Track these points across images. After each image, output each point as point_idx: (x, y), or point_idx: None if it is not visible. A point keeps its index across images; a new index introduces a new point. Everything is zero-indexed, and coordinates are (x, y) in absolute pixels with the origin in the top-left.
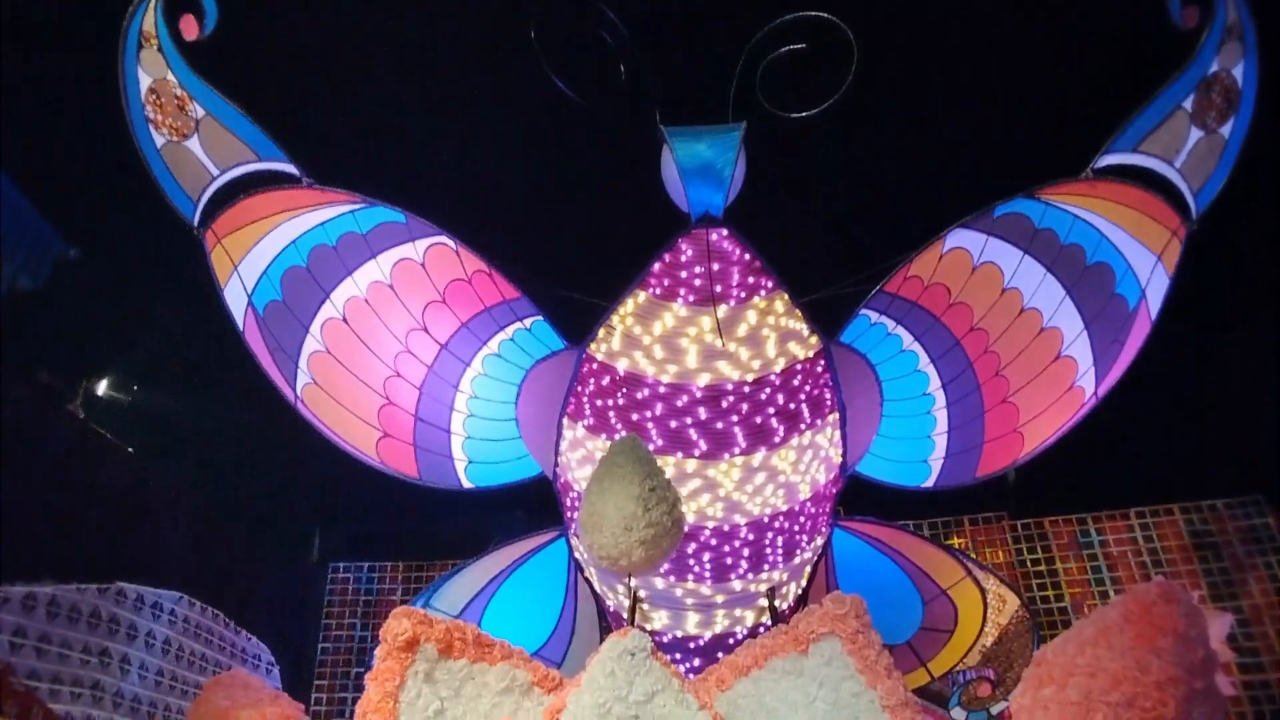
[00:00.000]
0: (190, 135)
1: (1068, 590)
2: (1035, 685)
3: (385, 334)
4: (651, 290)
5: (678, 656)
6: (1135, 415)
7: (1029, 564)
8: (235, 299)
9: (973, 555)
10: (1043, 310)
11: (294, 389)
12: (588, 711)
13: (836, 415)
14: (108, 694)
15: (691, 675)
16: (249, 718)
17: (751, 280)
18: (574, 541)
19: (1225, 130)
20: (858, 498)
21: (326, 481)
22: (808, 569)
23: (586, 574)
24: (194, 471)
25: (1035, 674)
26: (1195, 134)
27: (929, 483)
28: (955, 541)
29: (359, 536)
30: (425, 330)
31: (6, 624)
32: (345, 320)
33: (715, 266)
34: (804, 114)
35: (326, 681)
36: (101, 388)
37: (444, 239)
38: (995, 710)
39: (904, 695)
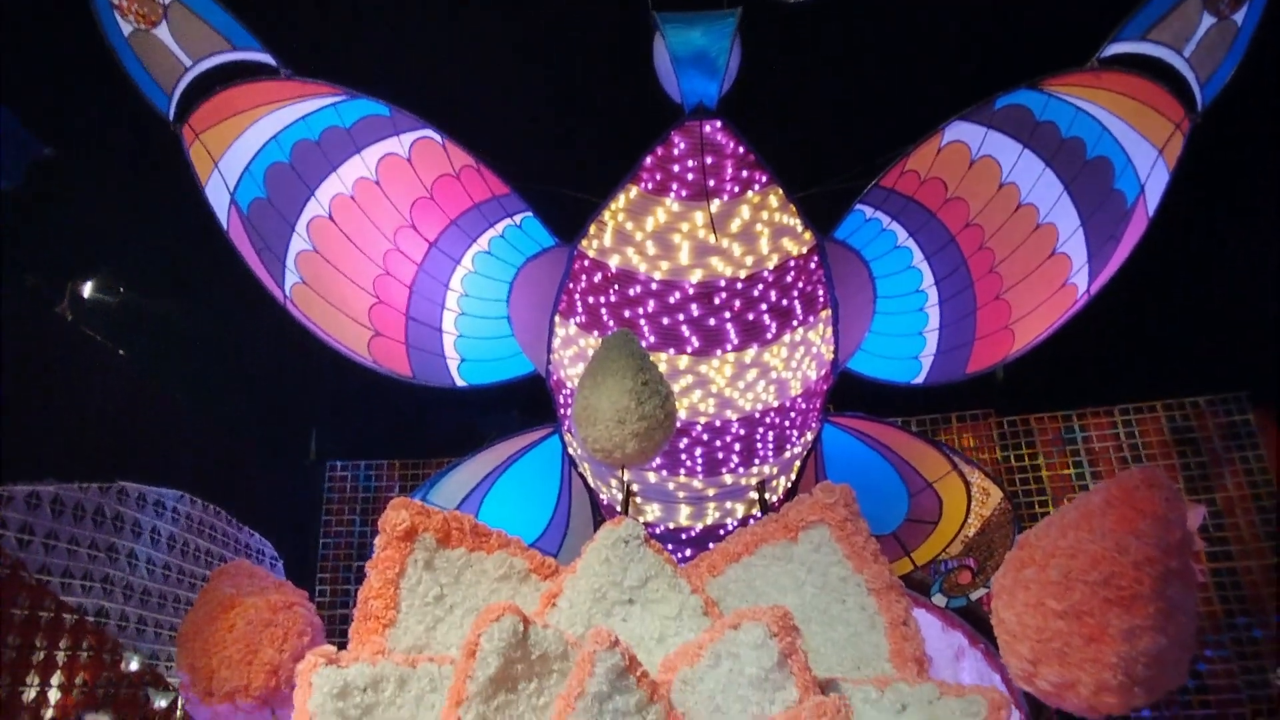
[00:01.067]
0: (158, 23)
1: (1050, 486)
2: (1017, 566)
3: (373, 232)
4: (644, 185)
5: (670, 547)
6: (1124, 313)
7: (1013, 460)
8: (218, 197)
9: (959, 450)
10: (1039, 206)
11: (283, 289)
12: (583, 596)
13: (829, 312)
14: (118, 587)
15: (683, 564)
16: (254, 604)
17: (745, 174)
18: (567, 438)
19: (1239, 16)
20: (848, 395)
21: (321, 382)
22: (797, 463)
23: (580, 469)
24: (189, 374)
25: (1018, 556)
26: (1207, 20)
27: (919, 379)
28: (942, 438)
29: (355, 436)
30: (414, 228)
31: (12, 521)
32: (332, 219)
33: (709, 160)
34: (801, 0)
35: (329, 575)
36: (88, 290)
37: (430, 133)
38: (975, 596)
39: (889, 579)
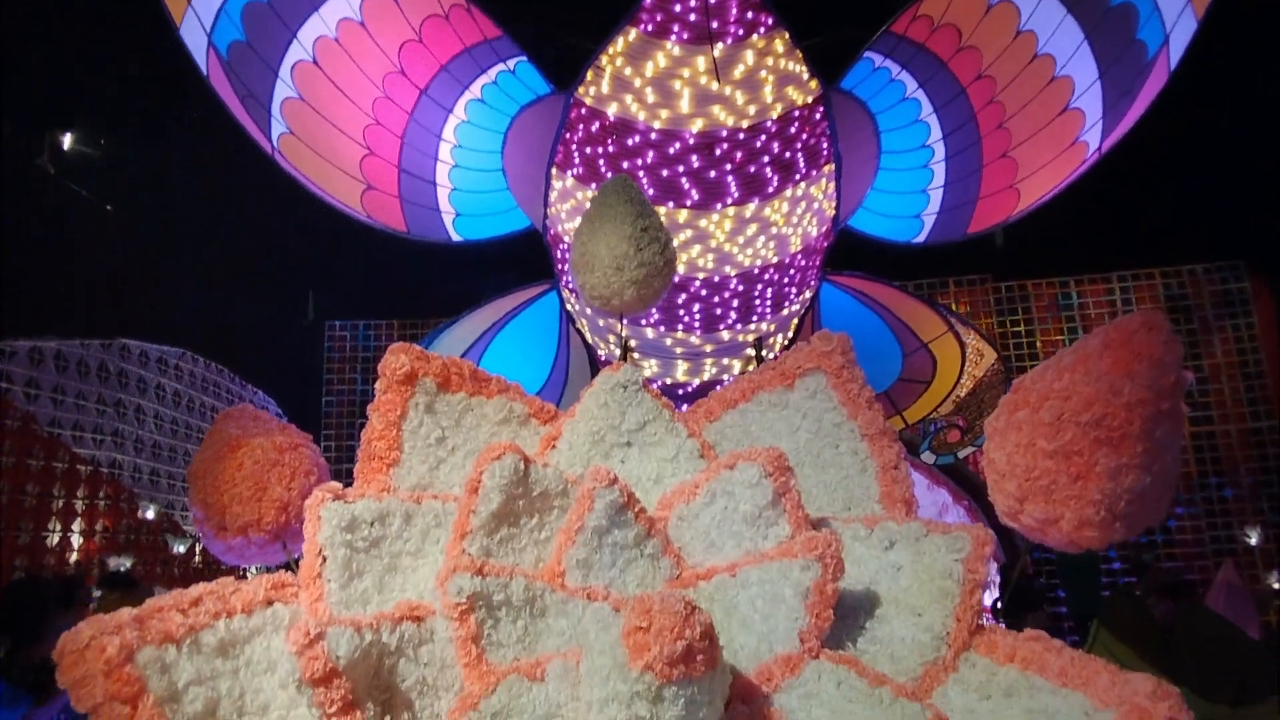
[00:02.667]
0: None
1: (1043, 352)
2: (1011, 409)
3: (361, 78)
4: (643, 27)
5: None
6: (1127, 178)
7: (1008, 326)
8: (194, 39)
9: (955, 311)
10: (1057, 56)
11: (270, 139)
12: (582, 439)
13: (832, 166)
14: (128, 440)
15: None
16: (260, 444)
17: (750, 16)
18: (565, 294)
19: None
20: (847, 256)
21: (317, 242)
22: (795, 321)
23: (578, 325)
24: (181, 232)
25: (1011, 399)
26: None
27: (920, 238)
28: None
29: (354, 296)
30: (403, 73)
31: (18, 376)
32: (316, 63)
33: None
34: None
35: (332, 432)
36: (67, 142)
37: None
38: (962, 454)
39: (881, 425)
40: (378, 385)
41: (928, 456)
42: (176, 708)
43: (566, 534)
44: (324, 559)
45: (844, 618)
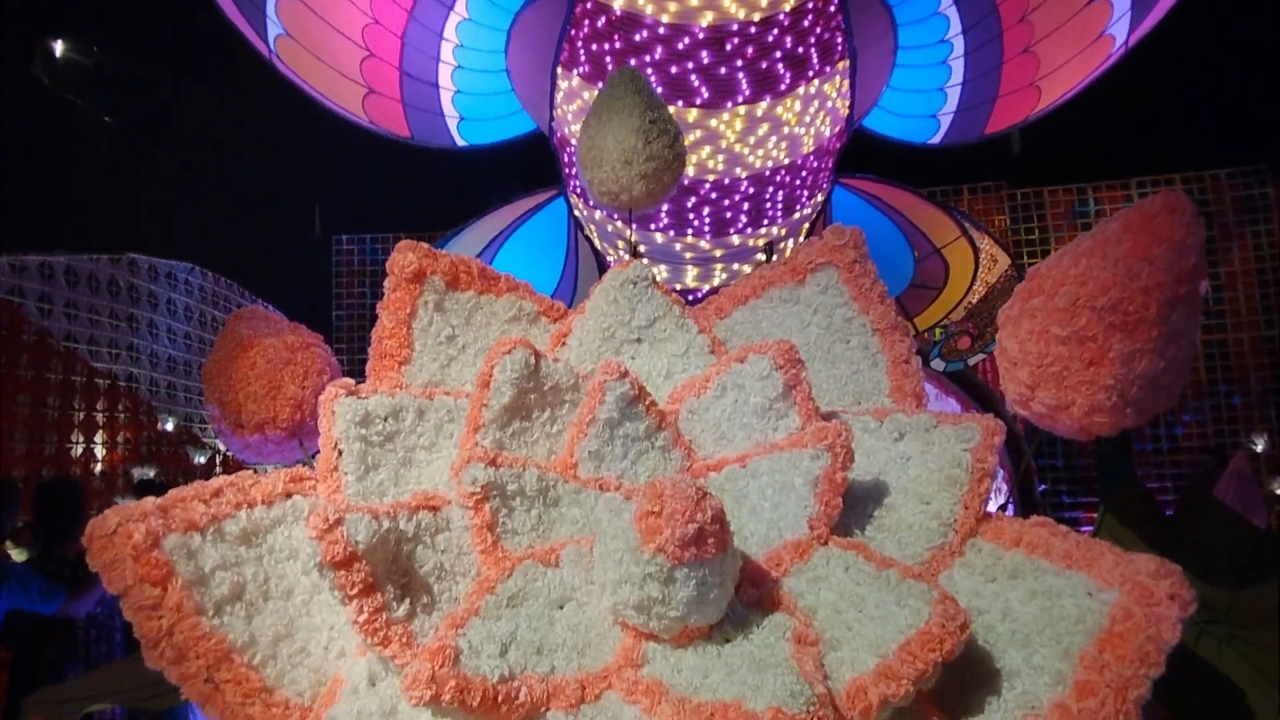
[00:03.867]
0: None
1: None
2: (1025, 297)
3: None
4: None
5: None
6: (1149, 78)
7: (1023, 233)
8: None
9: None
10: None
11: (266, 41)
12: (592, 335)
13: (847, 63)
14: (143, 355)
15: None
16: (271, 344)
17: None
18: (573, 200)
19: None
20: (860, 158)
21: (321, 154)
22: (806, 225)
23: (586, 232)
24: (183, 144)
25: (1026, 287)
26: None
27: (936, 139)
28: None
29: (360, 209)
30: None
31: (30, 291)
32: None
33: None
34: None
35: (344, 345)
36: (59, 49)
37: None
38: (972, 362)
39: (893, 320)
40: (386, 283)
41: (937, 364)
42: (205, 590)
43: (578, 426)
44: (339, 453)
45: (852, 507)
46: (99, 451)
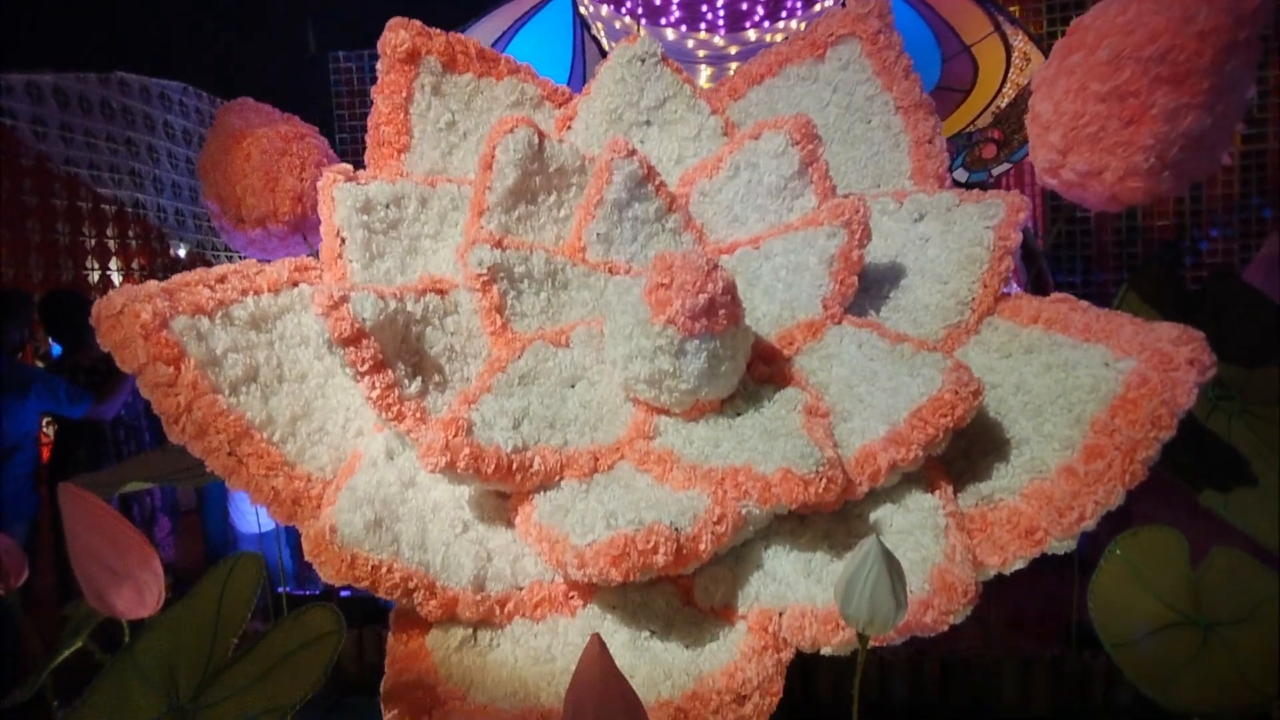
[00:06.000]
0: None
1: None
2: (1063, 54)
3: None
4: None
5: None
6: None
7: (1060, 31)
8: None
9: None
10: None
11: None
12: (599, 118)
13: None
14: (146, 180)
15: None
16: (266, 134)
17: None
18: None
19: None
20: None
21: None
22: None
23: (593, 31)
24: None
25: (1065, 43)
26: None
27: None
28: None
29: (355, 24)
30: None
31: (22, 113)
32: None
33: None
34: None
35: (350, 163)
36: None
37: None
38: (997, 172)
39: (918, 97)
40: (379, 65)
41: (960, 174)
42: (218, 371)
43: (585, 209)
44: (343, 241)
45: (867, 290)
46: (115, 279)
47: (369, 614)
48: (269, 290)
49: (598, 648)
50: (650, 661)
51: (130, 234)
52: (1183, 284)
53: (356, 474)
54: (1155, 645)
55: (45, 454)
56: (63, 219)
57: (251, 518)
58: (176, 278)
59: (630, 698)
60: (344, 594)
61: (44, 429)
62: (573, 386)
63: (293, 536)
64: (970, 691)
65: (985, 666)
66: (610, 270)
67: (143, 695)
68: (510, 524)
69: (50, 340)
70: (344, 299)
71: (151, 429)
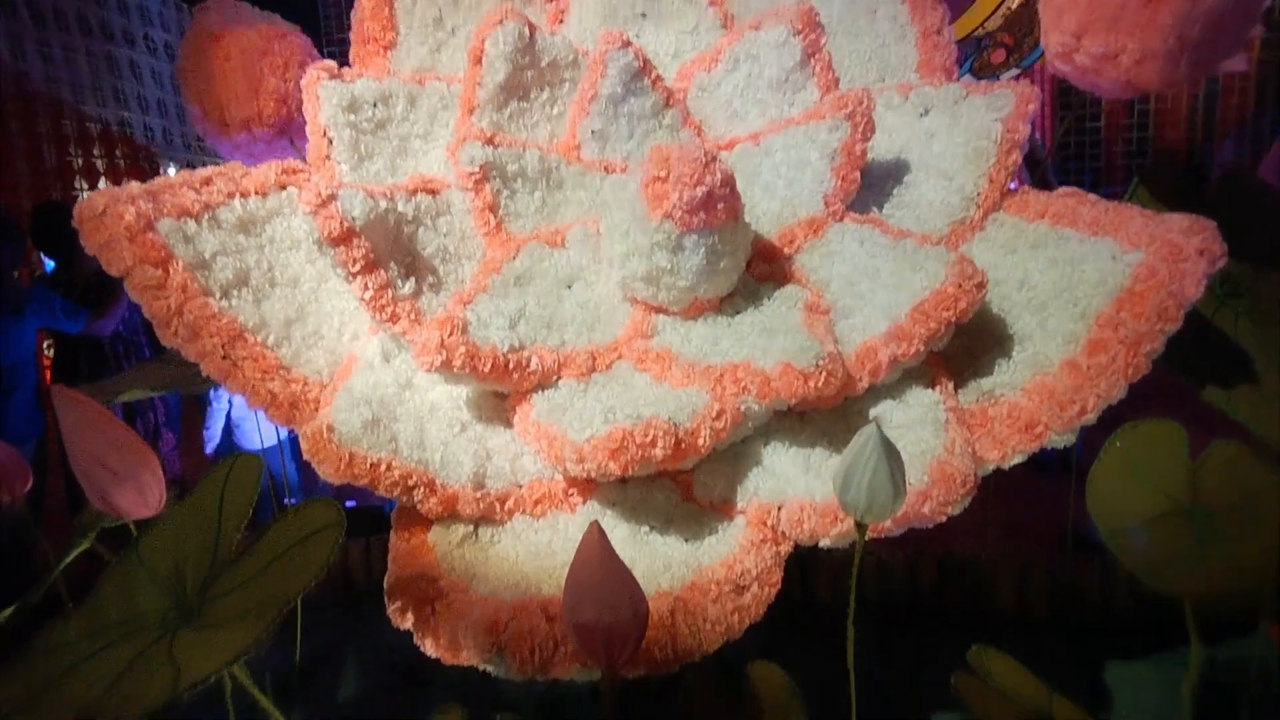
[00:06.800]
0: None
1: None
2: None
3: None
4: None
5: None
6: None
7: None
8: None
9: None
10: None
11: None
12: (591, 12)
13: None
14: (130, 98)
15: None
16: (245, 34)
17: None
18: None
19: None
20: None
21: None
22: None
23: None
24: None
25: None
26: None
27: None
28: None
29: None
30: None
31: None
32: None
33: None
34: None
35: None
36: None
37: None
38: (1005, 78)
39: None
40: None
41: (968, 79)
42: (208, 274)
43: (579, 104)
44: (330, 141)
45: (870, 187)
46: None
47: (377, 524)
48: (256, 193)
49: (596, 533)
50: (650, 555)
51: (118, 154)
52: (1193, 178)
53: (353, 376)
54: (1152, 534)
55: (48, 378)
56: (48, 141)
57: (255, 435)
58: (159, 180)
59: (628, 581)
60: (350, 504)
61: (44, 351)
62: (569, 287)
63: (298, 451)
64: (967, 593)
65: (981, 569)
66: (606, 168)
67: (150, 591)
68: (509, 424)
69: (42, 257)
70: (332, 196)
71: (151, 344)
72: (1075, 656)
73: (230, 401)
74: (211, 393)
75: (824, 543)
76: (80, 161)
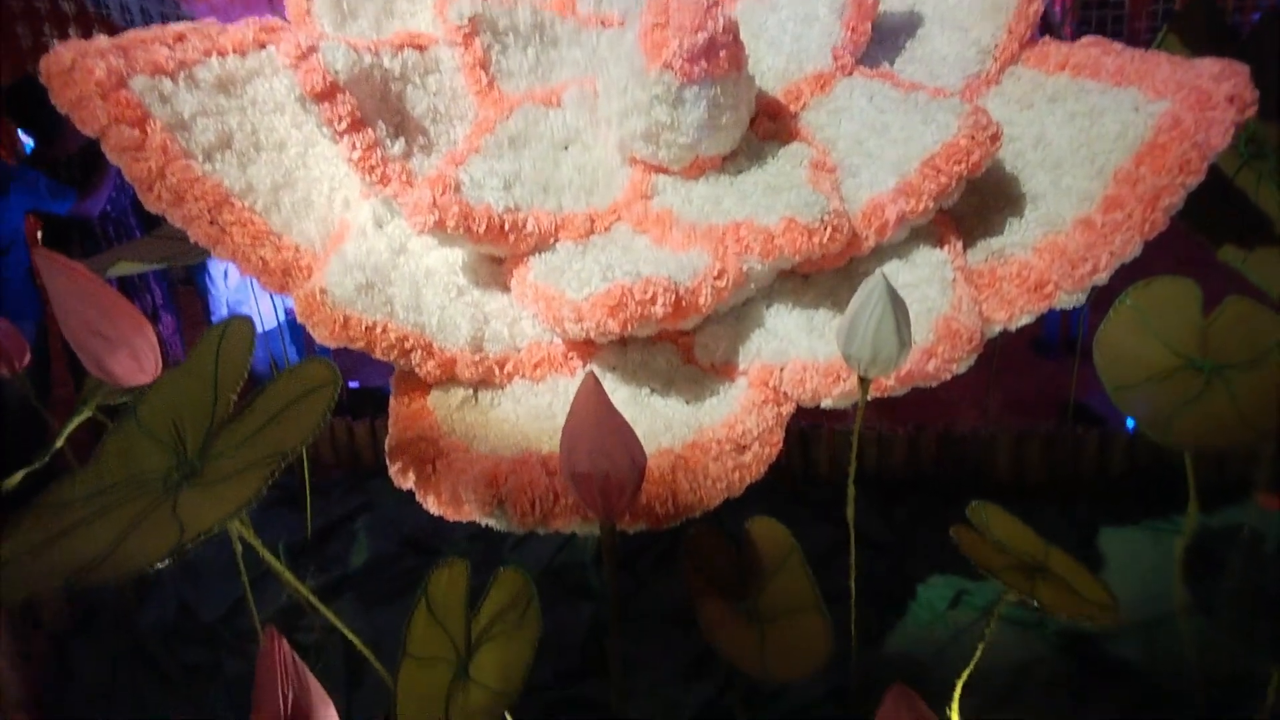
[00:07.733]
0: None
1: None
2: None
3: None
4: None
5: None
6: None
7: None
8: None
9: None
10: None
11: None
12: None
13: None
14: None
15: None
16: None
17: None
18: None
19: None
20: None
21: None
22: None
23: None
24: None
25: None
26: None
27: None
28: None
29: None
30: None
31: None
32: None
33: None
34: None
35: None
36: None
37: None
38: None
39: None
40: None
41: None
42: (189, 136)
43: None
44: None
45: (881, 42)
46: None
47: (382, 404)
48: (234, 51)
49: (592, 383)
50: (650, 415)
51: (95, 34)
52: (1228, 24)
53: (346, 242)
54: (1159, 387)
55: None
56: (21, 20)
57: (255, 319)
58: (129, 34)
59: (624, 430)
60: (353, 385)
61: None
62: (566, 149)
63: (298, 334)
64: (966, 464)
65: (981, 440)
66: (603, 24)
67: (152, 452)
68: (506, 289)
69: (21, 135)
70: (313, 49)
71: (141, 225)
72: (1069, 520)
73: (227, 284)
74: (209, 279)
75: (825, 403)
76: (55, 43)
